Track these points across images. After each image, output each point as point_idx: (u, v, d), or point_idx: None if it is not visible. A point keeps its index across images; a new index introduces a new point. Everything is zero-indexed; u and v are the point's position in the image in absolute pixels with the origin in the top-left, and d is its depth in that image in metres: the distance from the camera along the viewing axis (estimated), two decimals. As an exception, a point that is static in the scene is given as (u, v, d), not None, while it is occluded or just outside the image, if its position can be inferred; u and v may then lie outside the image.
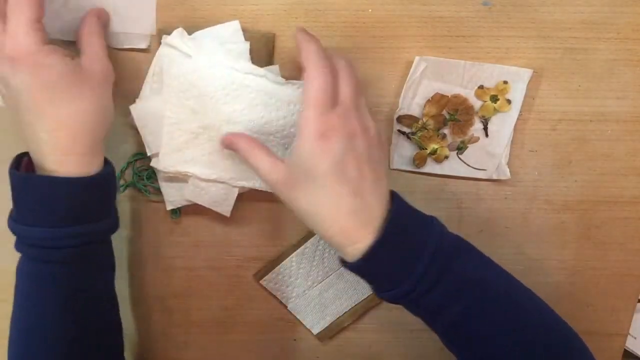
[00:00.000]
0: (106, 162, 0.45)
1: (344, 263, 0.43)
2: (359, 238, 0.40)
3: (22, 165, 0.43)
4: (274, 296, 0.57)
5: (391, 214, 0.41)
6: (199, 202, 0.51)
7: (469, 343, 0.43)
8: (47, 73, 0.40)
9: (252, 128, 0.46)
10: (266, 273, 0.56)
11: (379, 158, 0.42)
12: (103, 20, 0.46)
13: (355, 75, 0.42)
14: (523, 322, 0.42)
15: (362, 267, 0.41)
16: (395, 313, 0.58)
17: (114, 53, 0.49)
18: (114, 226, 0.47)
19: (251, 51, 0.47)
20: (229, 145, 0.45)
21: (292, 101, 0.46)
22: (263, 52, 0.48)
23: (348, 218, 0.40)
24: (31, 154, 0.43)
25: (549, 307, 0.44)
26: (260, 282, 0.56)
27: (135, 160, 0.52)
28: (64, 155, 0.41)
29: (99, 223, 0.44)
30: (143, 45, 0.49)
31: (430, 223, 0.42)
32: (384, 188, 0.42)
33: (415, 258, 0.40)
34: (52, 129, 0.40)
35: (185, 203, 0.51)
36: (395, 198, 0.42)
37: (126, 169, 0.52)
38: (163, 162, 0.48)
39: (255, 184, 0.49)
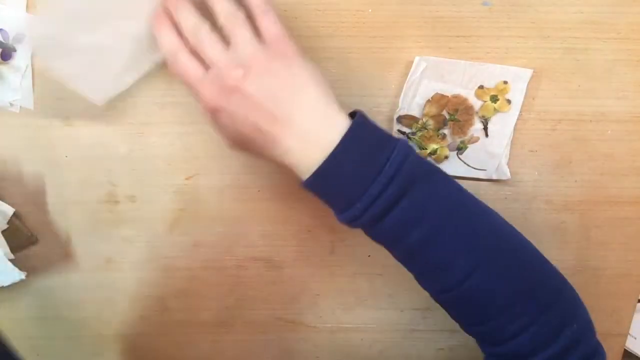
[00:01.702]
0: None
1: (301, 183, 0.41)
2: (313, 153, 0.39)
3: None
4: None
5: (348, 129, 0.38)
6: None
7: (432, 271, 0.40)
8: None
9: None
10: None
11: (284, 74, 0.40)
12: None
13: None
14: (498, 256, 0.39)
15: (314, 183, 0.39)
16: (395, 313, 0.58)
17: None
18: None
19: None
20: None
21: None
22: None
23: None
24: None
25: (532, 247, 0.41)
26: None
27: None
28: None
29: None
30: (143, 45, 0.49)
31: (394, 143, 0.39)
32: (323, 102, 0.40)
33: (371, 179, 0.38)
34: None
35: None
36: (359, 116, 0.40)
37: None
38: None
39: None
